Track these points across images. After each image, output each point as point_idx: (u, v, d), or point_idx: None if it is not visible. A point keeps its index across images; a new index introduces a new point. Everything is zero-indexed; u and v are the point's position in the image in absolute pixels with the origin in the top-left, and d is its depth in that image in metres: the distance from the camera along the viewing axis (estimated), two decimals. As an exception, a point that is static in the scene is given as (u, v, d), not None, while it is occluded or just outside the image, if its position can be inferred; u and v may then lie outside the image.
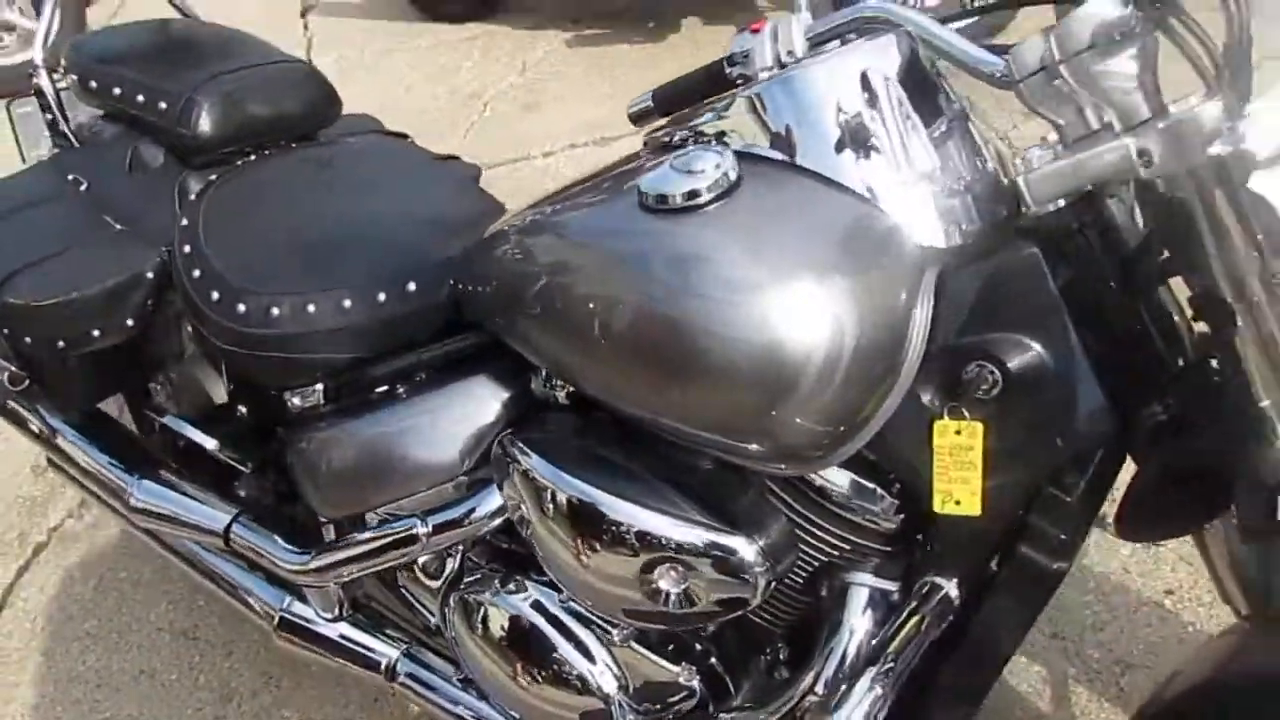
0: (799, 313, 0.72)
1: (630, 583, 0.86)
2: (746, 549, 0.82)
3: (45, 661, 1.76)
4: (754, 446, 0.79)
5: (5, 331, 1.22)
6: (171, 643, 1.74)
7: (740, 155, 0.78)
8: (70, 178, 1.36)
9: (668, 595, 0.85)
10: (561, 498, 0.89)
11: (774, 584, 0.84)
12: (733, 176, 0.75)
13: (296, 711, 1.59)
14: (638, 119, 1.09)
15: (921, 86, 0.79)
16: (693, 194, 0.75)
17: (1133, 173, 0.66)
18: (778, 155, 0.77)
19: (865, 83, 0.75)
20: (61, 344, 1.21)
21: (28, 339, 1.21)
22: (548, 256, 0.87)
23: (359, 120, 1.62)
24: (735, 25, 3.42)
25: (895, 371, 0.74)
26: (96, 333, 1.22)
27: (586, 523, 0.87)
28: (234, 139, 1.31)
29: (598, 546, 0.87)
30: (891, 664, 0.81)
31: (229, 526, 1.27)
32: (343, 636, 1.29)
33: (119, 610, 1.82)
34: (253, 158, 1.33)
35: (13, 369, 1.28)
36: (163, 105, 1.29)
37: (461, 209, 1.28)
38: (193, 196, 1.27)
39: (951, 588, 0.82)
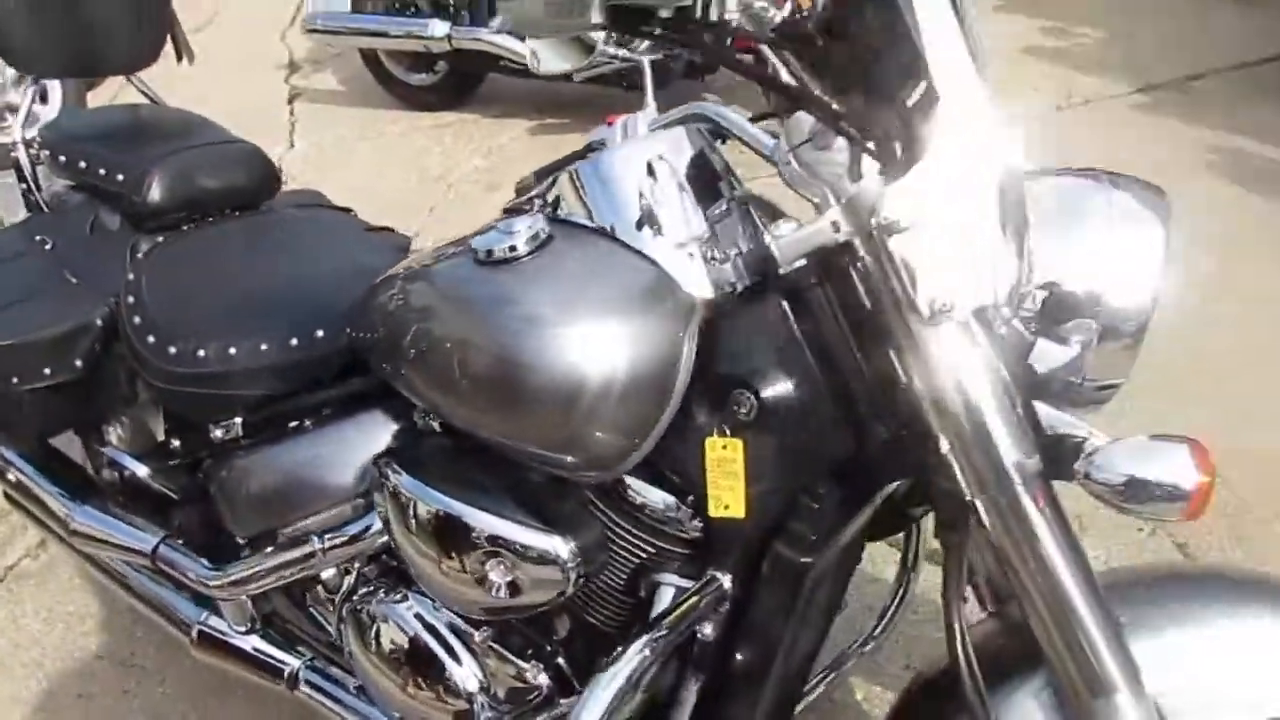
0: (587, 346, 0.89)
1: (469, 578, 1.02)
2: (561, 547, 0.98)
3: (-9, 689, 1.89)
4: (562, 457, 0.95)
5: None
6: (110, 669, 1.87)
7: (556, 220, 0.97)
8: (37, 238, 1.54)
9: (499, 586, 1.00)
10: (419, 507, 1.05)
11: (584, 578, 1.00)
12: (543, 236, 0.93)
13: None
14: (522, 192, 1.28)
15: (706, 171, 0.98)
16: (512, 249, 0.93)
17: (834, 239, 0.84)
18: (585, 221, 0.96)
19: (654, 165, 0.94)
20: (15, 380, 1.38)
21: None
22: (409, 306, 1.05)
23: (305, 194, 1.82)
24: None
25: (667, 395, 0.91)
26: (48, 371, 1.39)
27: (436, 526, 1.03)
28: (181, 207, 1.50)
29: (444, 546, 1.03)
30: (662, 644, 0.96)
31: (156, 548, 1.42)
32: (254, 648, 1.43)
33: (64, 640, 1.95)
34: (197, 224, 1.52)
35: (-28, 403, 1.44)
36: (120, 177, 1.48)
37: (380, 271, 1.46)
38: (140, 255, 1.45)
39: (727, 581, 0.97)
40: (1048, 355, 0.85)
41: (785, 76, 0.85)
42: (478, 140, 3.85)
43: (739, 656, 1.01)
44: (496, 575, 1.00)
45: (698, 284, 0.92)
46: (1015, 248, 0.78)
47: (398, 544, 1.10)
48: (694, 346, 0.91)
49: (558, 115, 3.87)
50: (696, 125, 1.02)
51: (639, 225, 0.93)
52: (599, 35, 2.87)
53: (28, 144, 1.63)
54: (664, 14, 0.73)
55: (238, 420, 1.32)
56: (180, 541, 1.44)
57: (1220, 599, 0.90)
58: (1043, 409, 0.83)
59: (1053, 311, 0.84)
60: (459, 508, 1.02)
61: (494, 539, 1.00)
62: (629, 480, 1.01)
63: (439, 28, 3.57)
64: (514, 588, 1.00)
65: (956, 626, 0.84)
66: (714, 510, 0.94)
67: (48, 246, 1.53)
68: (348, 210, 1.78)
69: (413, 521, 1.06)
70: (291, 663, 1.41)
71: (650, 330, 0.90)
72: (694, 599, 0.97)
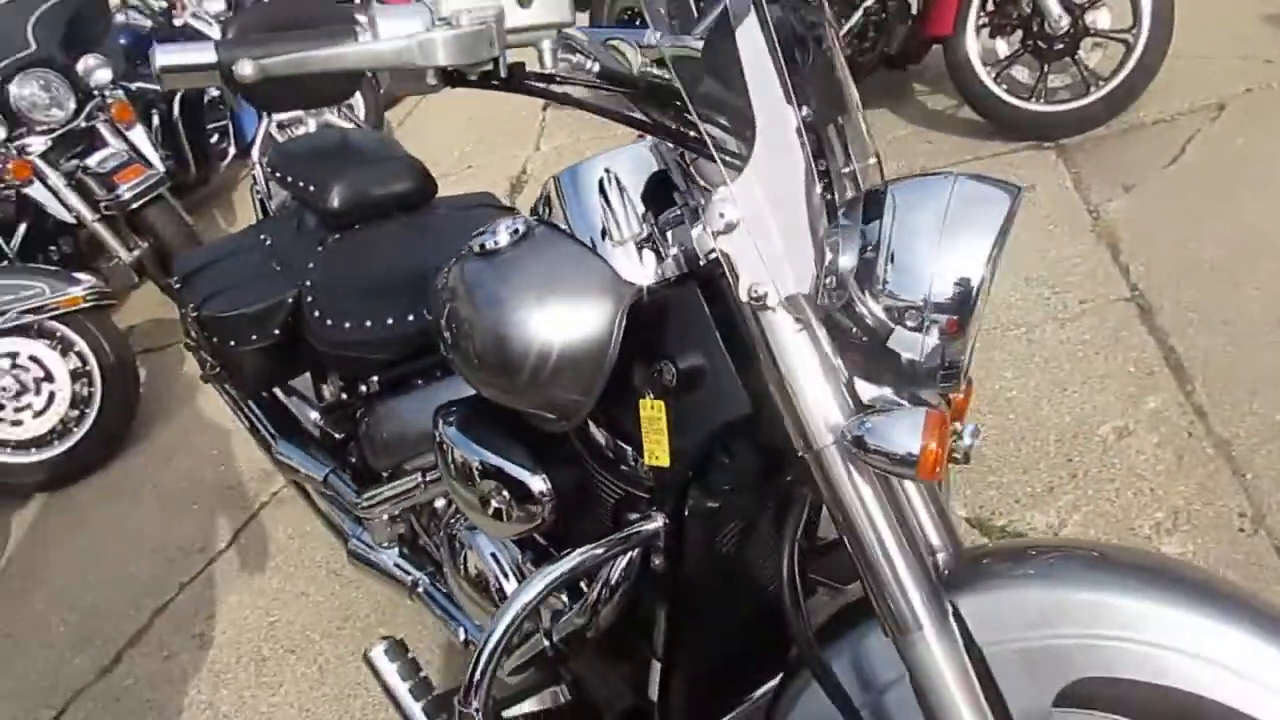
0: (539, 321, 1.11)
1: (479, 505, 1.28)
2: (539, 484, 1.21)
3: (245, 581, 2.43)
4: (531, 409, 1.18)
5: (205, 334, 1.85)
6: (324, 577, 2.34)
7: (538, 220, 1.19)
8: (260, 236, 1.99)
9: (497, 512, 1.26)
10: (453, 450, 1.32)
11: (560, 512, 1.22)
12: (520, 233, 1.16)
13: (389, 630, 2.11)
14: None
15: (662, 182, 1.16)
16: (496, 243, 1.17)
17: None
18: (557, 222, 1.18)
19: (603, 178, 1.14)
20: (232, 343, 1.82)
21: (215, 339, 1.83)
22: (440, 288, 1.30)
23: (478, 196, 2.16)
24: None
25: (602, 360, 1.10)
26: (254, 337, 1.81)
27: (461, 465, 1.30)
28: (354, 210, 1.87)
29: (466, 480, 1.30)
30: (592, 562, 1.16)
31: (326, 476, 1.82)
32: (391, 562, 1.79)
33: (298, 552, 2.46)
34: (366, 223, 1.89)
35: (210, 359, 1.91)
36: (312, 188, 1.88)
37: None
38: (320, 249, 1.84)
39: (660, 519, 1.15)
40: (906, 342, 0.96)
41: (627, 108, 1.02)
42: (692, 137, 4.09)
43: (685, 586, 1.19)
44: (496, 503, 1.26)
45: (635, 274, 1.10)
46: (819, 246, 0.91)
47: (443, 479, 1.38)
48: (623, 323, 1.10)
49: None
50: (662, 143, 1.19)
51: (593, 224, 1.14)
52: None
53: (262, 164, 2.08)
54: (471, 77, 0.92)
55: (376, 379, 1.68)
56: (346, 472, 1.83)
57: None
58: (882, 391, 0.95)
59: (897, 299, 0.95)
60: (474, 450, 1.28)
61: (494, 474, 1.25)
62: (603, 434, 1.23)
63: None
64: (507, 514, 1.25)
65: (784, 572, 0.97)
66: (647, 460, 1.13)
67: (267, 242, 1.96)
68: (511, 209, 2.10)
69: (450, 462, 1.34)
70: (415, 575, 1.75)
71: (588, 310, 1.10)
72: (628, 530, 1.17)
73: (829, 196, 0.95)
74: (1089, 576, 0.95)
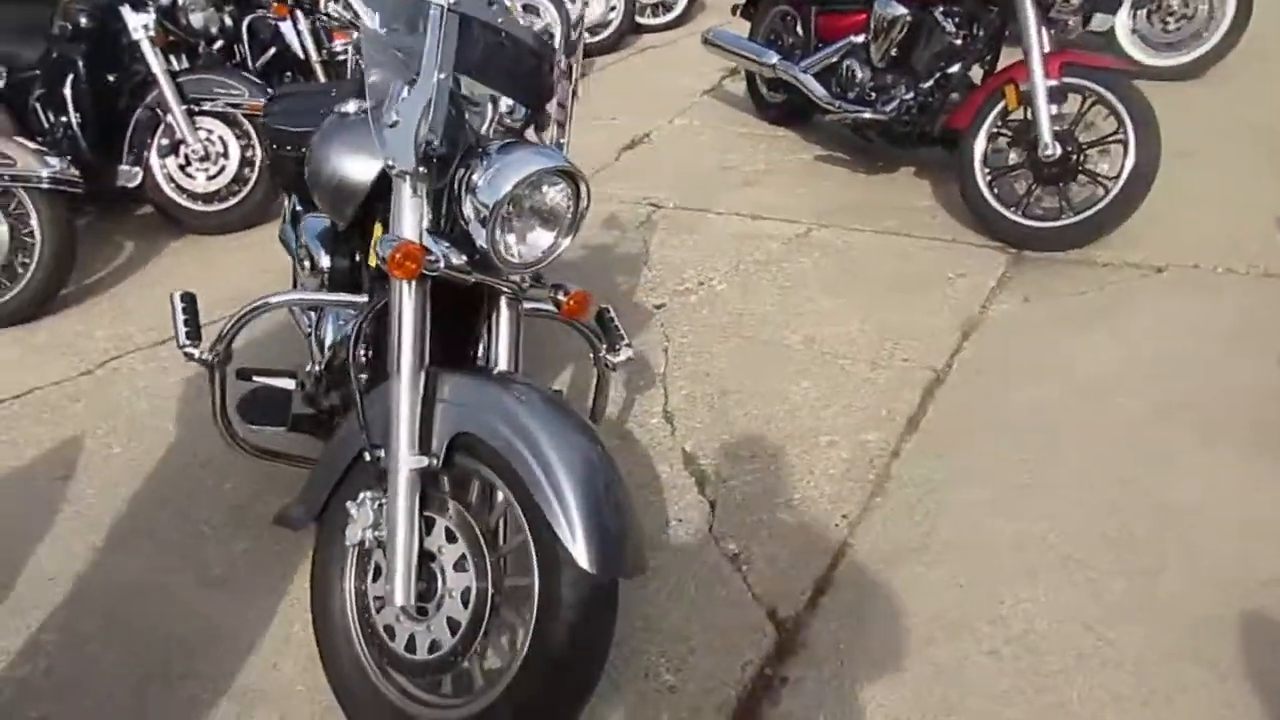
0: (338, 157, 1.84)
1: (303, 269, 2.05)
2: (325, 261, 1.97)
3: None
4: (327, 209, 1.93)
5: (261, 135, 2.72)
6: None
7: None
8: (331, 90, 2.82)
9: (311, 271, 2.02)
10: (300, 237, 2.10)
11: (332, 278, 1.96)
12: (356, 111, 1.89)
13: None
14: None
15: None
16: (346, 111, 1.91)
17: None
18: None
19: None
20: (274, 146, 2.65)
21: (266, 140, 2.69)
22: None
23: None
24: (912, 167, 4.12)
25: (361, 188, 1.82)
26: (289, 148, 2.63)
27: (302, 243, 2.08)
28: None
29: (300, 253, 2.07)
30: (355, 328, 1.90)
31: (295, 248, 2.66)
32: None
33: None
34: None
35: (265, 156, 2.77)
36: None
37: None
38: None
39: (368, 296, 1.88)
40: (477, 231, 1.63)
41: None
42: (779, 153, 4.64)
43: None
44: (309, 266, 2.03)
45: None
46: (419, 147, 1.57)
47: (296, 255, 2.16)
48: (378, 172, 1.81)
49: (842, 151, 4.51)
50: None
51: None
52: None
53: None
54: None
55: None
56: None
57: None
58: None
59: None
60: (306, 236, 2.06)
61: (309, 252, 2.02)
62: (363, 242, 1.96)
63: (770, 58, 4.42)
64: (311, 274, 2.02)
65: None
66: (371, 261, 1.85)
67: (332, 93, 2.78)
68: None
69: (295, 242, 2.12)
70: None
71: (363, 159, 1.83)
72: (346, 296, 1.90)
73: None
74: (486, 379, 1.62)
